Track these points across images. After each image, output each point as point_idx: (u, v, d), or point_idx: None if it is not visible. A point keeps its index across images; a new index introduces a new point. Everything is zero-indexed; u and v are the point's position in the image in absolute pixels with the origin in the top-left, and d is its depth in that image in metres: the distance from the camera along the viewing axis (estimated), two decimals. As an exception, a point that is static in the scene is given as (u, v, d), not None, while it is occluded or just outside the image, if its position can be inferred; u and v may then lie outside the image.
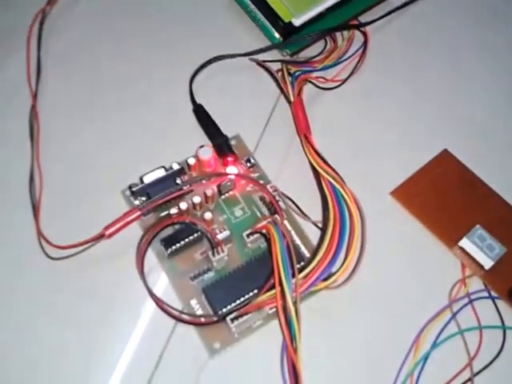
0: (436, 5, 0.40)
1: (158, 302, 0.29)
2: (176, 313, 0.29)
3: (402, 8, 0.40)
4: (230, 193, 0.32)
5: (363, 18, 0.39)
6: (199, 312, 0.29)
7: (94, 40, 0.38)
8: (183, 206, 0.31)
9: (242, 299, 0.29)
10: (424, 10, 0.40)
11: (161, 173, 0.31)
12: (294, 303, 0.27)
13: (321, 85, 0.37)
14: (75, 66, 0.37)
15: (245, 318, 0.28)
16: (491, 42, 0.40)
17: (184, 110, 0.36)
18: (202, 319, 0.28)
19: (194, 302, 0.29)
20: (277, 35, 0.38)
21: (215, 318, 0.28)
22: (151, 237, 0.29)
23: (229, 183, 0.32)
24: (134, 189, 0.31)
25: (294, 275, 0.27)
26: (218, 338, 0.28)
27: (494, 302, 0.31)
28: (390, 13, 0.39)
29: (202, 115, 0.35)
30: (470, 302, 0.31)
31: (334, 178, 0.31)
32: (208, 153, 0.32)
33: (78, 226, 0.31)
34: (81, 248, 0.30)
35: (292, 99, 0.35)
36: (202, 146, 0.33)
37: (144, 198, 0.31)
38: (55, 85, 0.36)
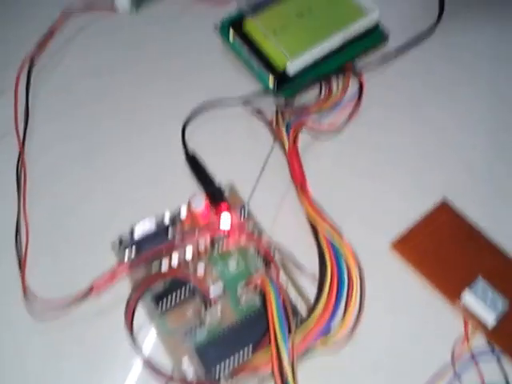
0: (430, 50, 0.40)
1: (148, 363, 0.27)
2: (167, 374, 0.27)
3: (397, 54, 0.40)
4: (224, 245, 0.31)
5: (358, 64, 0.39)
6: (190, 370, 0.28)
7: (84, 86, 0.38)
8: (175, 259, 0.30)
9: (236, 358, 0.28)
10: (419, 56, 0.40)
11: (152, 224, 0.30)
12: (291, 364, 0.25)
13: (316, 131, 0.37)
14: (64, 112, 0.37)
15: (239, 379, 0.27)
16: (490, 90, 0.39)
17: (177, 158, 0.35)
18: (195, 382, 0.27)
19: (185, 361, 0.28)
20: (272, 82, 0.37)
21: (208, 380, 0.27)
22: (140, 294, 0.28)
23: (222, 236, 0.31)
24: (124, 241, 0.30)
25: (290, 332, 0.26)
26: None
27: (498, 359, 0.30)
28: (384, 58, 0.39)
29: (195, 164, 0.34)
30: (474, 359, 0.30)
31: (331, 231, 0.30)
32: (201, 203, 0.31)
33: (65, 280, 0.30)
34: (68, 304, 0.29)
35: (287, 147, 0.34)
36: (194, 196, 0.32)
37: (134, 250, 0.30)
38: (44, 132, 0.36)
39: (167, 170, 0.35)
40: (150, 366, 0.27)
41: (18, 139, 0.34)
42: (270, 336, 0.26)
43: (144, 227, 0.30)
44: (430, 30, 0.40)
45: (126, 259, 0.30)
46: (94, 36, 0.40)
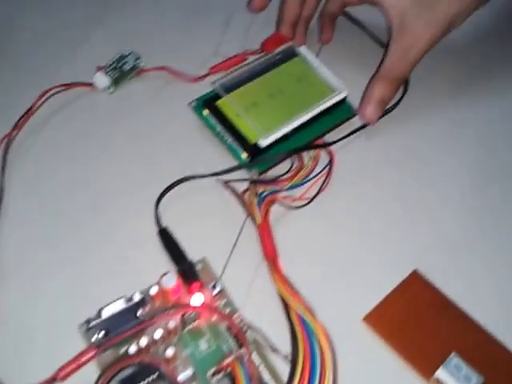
0: (396, 123, 0.42)
1: None
2: None
3: (364, 127, 0.41)
4: (195, 323, 0.31)
5: (328, 138, 0.40)
6: None
7: (59, 168, 0.38)
8: (143, 342, 0.29)
9: None
10: (385, 129, 0.41)
11: (121, 305, 0.30)
12: None
13: (288, 204, 0.37)
14: (38, 195, 0.37)
15: None
16: (457, 160, 0.40)
17: (149, 232, 0.35)
18: None
19: None
20: (244, 156, 0.38)
21: None
22: (108, 380, 0.27)
23: (193, 315, 0.30)
24: (91, 323, 0.29)
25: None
26: None
27: None
28: (352, 132, 0.40)
29: (166, 238, 0.34)
30: None
31: (303, 309, 0.30)
32: (172, 281, 0.31)
33: (31, 365, 0.29)
34: None
35: (258, 222, 0.34)
36: (165, 274, 0.31)
37: (103, 333, 0.29)
38: (18, 209, 0.35)
39: (139, 245, 0.34)
40: None
41: None
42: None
43: (112, 309, 0.30)
44: (395, 105, 0.42)
45: (93, 342, 0.29)
46: (72, 114, 0.40)
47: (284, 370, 0.30)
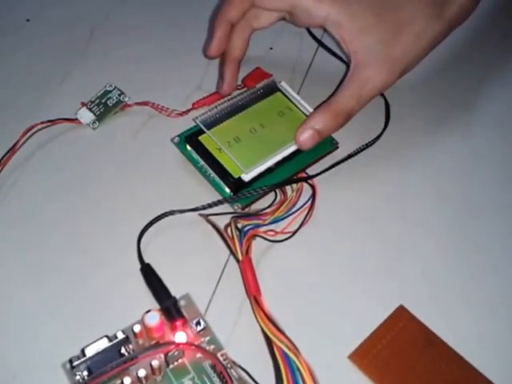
0: (377, 157, 0.42)
1: None
2: None
3: (347, 159, 0.41)
4: (179, 361, 0.30)
5: (311, 170, 0.40)
6: None
7: (42, 204, 0.38)
8: (127, 381, 0.29)
9: None
10: (367, 159, 0.42)
11: (104, 343, 0.30)
12: None
13: (271, 238, 0.37)
14: (21, 231, 0.36)
15: None
16: (438, 195, 0.41)
17: (131, 268, 0.35)
18: None
19: None
20: (227, 190, 0.38)
21: None
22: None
23: (176, 353, 0.30)
24: (74, 363, 0.29)
25: None
26: None
27: None
28: (335, 165, 0.41)
29: (149, 275, 0.34)
30: None
31: (286, 346, 0.30)
32: (155, 318, 0.31)
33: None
34: None
35: (240, 258, 0.34)
36: (148, 311, 0.31)
37: (86, 373, 0.29)
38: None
39: (122, 282, 0.34)
40: None
41: None
42: None
43: (96, 348, 0.29)
44: (377, 138, 0.42)
45: (77, 381, 0.29)
46: (56, 150, 0.40)
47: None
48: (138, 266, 0.35)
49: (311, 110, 0.41)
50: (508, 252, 0.38)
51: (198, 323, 0.32)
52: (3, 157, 0.38)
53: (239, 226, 0.36)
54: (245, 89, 0.43)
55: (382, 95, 0.44)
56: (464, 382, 0.32)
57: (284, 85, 0.43)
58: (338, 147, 0.42)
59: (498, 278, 0.36)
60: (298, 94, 0.43)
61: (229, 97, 0.42)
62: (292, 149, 0.40)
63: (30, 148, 0.40)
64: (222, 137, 0.39)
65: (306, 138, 0.39)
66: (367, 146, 0.42)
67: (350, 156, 0.41)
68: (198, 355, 0.31)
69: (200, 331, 0.32)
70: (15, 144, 0.39)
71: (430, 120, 0.44)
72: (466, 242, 0.38)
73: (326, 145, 0.41)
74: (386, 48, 0.39)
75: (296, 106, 0.42)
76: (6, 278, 0.34)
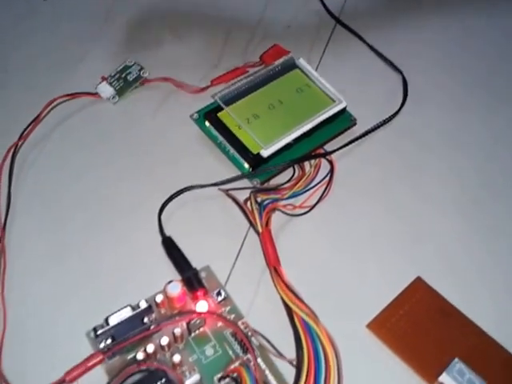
0: (396, 132, 0.42)
1: None
2: None
3: (364, 136, 0.41)
4: (201, 330, 0.31)
5: (329, 146, 0.41)
6: None
7: (64, 178, 0.38)
8: (150, 348, 0.29)
9: None
10: (384, 136, 0.42)
11: (127, 313, 0.30)
12: None
13: (289, 212, 0.37)
14: (44, 203, 0.37)
15: None
16: (455, 163, 0.41)
17: (153, 242, 0.35)
18: None
19: None
20: (246, 166, 0.39)
21: None
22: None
23: (198, 321, 0.31)
24: (98, 331, 0.30)
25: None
26: None
27: None
28: (352, 141, 0.41)
29: (170, 247, 0.35)
30: None
31: (306, 315, 0.30)
32: (176, 288, 0.31)
33: (40, 370, 0.29)
34: None
35: (260, 230, 0.35)
36: (170, 282, 0.32)
37: (109, 341, 0.30)
38: (24, 221, 0.36)
39: (144, 255, 0.35)
40: None
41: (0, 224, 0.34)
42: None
43: (119, 316, 0.30)
44: (395, 114, 0.42)
45: (101, 349, 0.29)
46: (77, 123, 0.41)
47: (289, 374, 0.30)
48: (160, 239, 0.35)
49: (329, 86, 0.41)
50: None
51: (219, 293, 0.33)
52: (26, 129, 0.39)
53: (258, 200, 0.37)
54: (263, 66, 0.43)
55: (400, 72, 0.44)
56: (480, 351, 0.32)
57: (302, 62, 0.43)
58: (355, 123, 0.42)
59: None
60: (316, 70, 0.43)
61: (247, 74, 0.43)
62: (310, 125, 0.40)
63: (51, 121, 0.40)
64: (241, 113, 0.40)
65: None
66: (385, 122, 0.42)
67: (367, 132, 0.42)
68: (219, 324, 0.31)
69: (221, 301, 0.32)
70: (38, 116, 0.39)
71: (449, 97, 0.44)
72: (482, 217, 0.38)
73: (344, 121, 0.41)
74: None
75: (314, 82, 0.42)
76: (32, 253, 0.35)
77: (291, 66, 0.43)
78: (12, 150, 0.37)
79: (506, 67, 0.46)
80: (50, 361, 0.30)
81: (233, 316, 0.32)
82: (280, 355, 0.30)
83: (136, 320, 0.30)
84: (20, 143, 0.38)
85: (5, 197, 0.36)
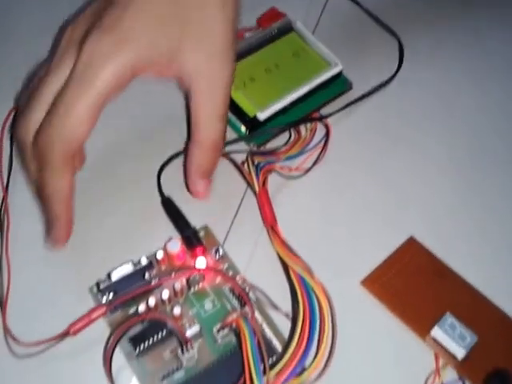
0: (391, 97, 0.43)
1: None
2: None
3: (360, 100, 0.42)
4: (200, 285, 0.32)
5: (325, 110, 0.41)
6: None
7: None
8: (151, 301, 0.30)
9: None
10: (380, 100, 0.42)
11: (129, 268, 0.31)
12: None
13: (286, 174, 0.38)
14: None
15: None
16: (449, 127, 0.41)
17: (152, 202, 0.36)
18: None
19: None
20: (243, 129, 0.39)
21: None
22: (119, 336, 0.29)
23: (197, 277, 0.31)
24: (101, 286, 0.31)
25: (265, 372, 0.27)
26: None
27: (468, 391, 0.31)
28: (348, 105, 0.41)
29: (170, 207, 0.35)
30: (445, 392, 0.30)
31: (302, 269, 0.31)
32: (176, 246, 0.32)
33: (45, 324, 0.30)
34: (46, 345, 0.29)
35: (257, 190, 0.36)
36: (170, 239, 0.33)
37: (112, 295, 0.30)
38: (26, 181, 0.36)
39: (143, 215, 0.36)
40: None
41: (2, 185, 0.35)
42: (245, 376, 0.27)
43: (121, 272, 0.31)
44: (391, 78, 0.43)
45: (103, 302, 0.30)
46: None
47: (285, 327, 0.31)
48: (159, 199, 0.36)
49: (326, 50, 0.42)
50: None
51: (217, 251, 0.33)
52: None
53: (255, 162, 0.37)
54: (260, 29, 0.43)
55: (395, 35, 0.44)
56: (472, 307, 0.33)
57: (299, 25, 0.43)
58: (351, 87, 0.42)
59: (506, 211, 0.38)
60: (313, 34, 0.43)
61: (244, 38, 0.43)
62: (306, 89, 0.40)
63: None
64: (237, 77, 0.39)
65: (202, 188, 0.34)
66: (380, 86, 0.42)
67: (363, 96, 0.42)
68: (218, 280, 0.32)
69: (219, 259, 0.33)
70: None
71: (444, 60, 0.45)
72: (477, 177, 0.39)
73: (340, 85, 0.42)
74: (200, 51, 0.31)
75: (310, 46, 0.42)
76: (34, 213, 0.35)
77: (288, 29, 0.43)
78: (12, 113, 0.38)
79: (502, 28, 0.47)
80: (54, 316, 0.31)
81: (231, 273, 0.33)
82: (276, 308, 0.31)
83: (137, 275, 0.31)
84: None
85: (7, 158, 0.36)
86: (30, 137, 0.29)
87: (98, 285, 0.31)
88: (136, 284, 0.31)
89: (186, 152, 0.34)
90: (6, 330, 0.30)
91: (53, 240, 0.31)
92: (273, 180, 0.37)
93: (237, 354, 0.28)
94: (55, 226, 0.31)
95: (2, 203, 0.34)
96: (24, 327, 0.30)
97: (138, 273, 0.31)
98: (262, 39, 0.42)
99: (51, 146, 0.28)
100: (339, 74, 0.42)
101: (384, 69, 0.43)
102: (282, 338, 0.31)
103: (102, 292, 0.31)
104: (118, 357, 0.29)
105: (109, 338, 0.29)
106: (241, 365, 0.27)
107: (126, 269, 0.31)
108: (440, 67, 0.44)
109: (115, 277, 0.31)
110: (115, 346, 0.29)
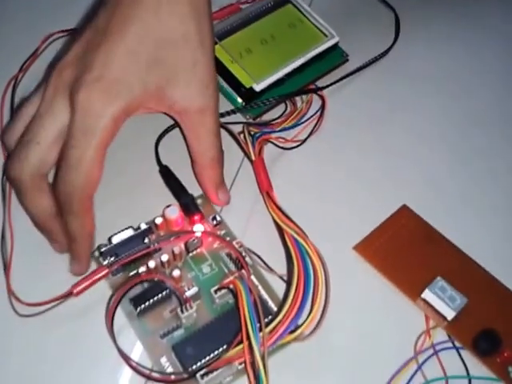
0: (387, 69, 0.43)
1: (128, 361, 0.29)
2: (146, 371, 0.29)
3: (356, 72, 0.42)
4: (198, 250, 0.33)
5: (321, 83, 0.42)
6: (169, 370, 0.29)
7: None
8: (152, 264, 0.31)
9: (212, 355, 0.29)
10: (376, 73, 0.43)
11: (129, 233, 0.32)
12: (262, 357, 0.27)
13: (281, 145, 0.39)
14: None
15: (215, 373, 0.28)
16: (444, 97, 0.42)
17: (151, 170, 0.37)
18: (172, 377, 0.28)
19: (163, 360, 0.29)
20: (239, 100, 0.40)
21: (185, 376, 0.28)
22: (120, 296, 0.30)
23: (196, 241, 0.32)
24: (102, 249, 0.31)
25: (261, 329, 0.28)
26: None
27: (458, 352, 0.32)
28: (344, 77, 0.42)
29: (168, 176, 0.36)
30: (435, 353, 0.31)
31: (296, 233, 0.32)
32: (175, 212, 0.33)
33: (48, 287, 0.31)
34: (49, 305, 0.30)
35: (253, 158, 0.36)
36: (168, 206, 0.33)
37: (113, 258, 0.31)
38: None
39: (143, 183, 0.36)
40: (130, 364, 0.29)
41: (4, 154, 0.35)
42: (242, 332, 0.28)
43: (122, 236, 0.32)
44: (387, 51, 0.43)
45: (106, 264, 0.31)
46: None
47: (280, 291, 0.32)
48: (157, 169, 0.37)
49: (322, 22, 0.42)
50: (505, 157, 0.40)
51: (214, 218, 0.34)
52: (25, 63, 0.40)
53: (251, 133, 0.38)
54: (256, 1, 0.44)
55: (391, 8, 0.45)
56: (462, 271, 0.34)
57: (296, -3, 0.43)
58: (347, 60, 0.43)
59: (496, 180, 0.39)
60: (310, 6, 0.43)
61: (240, 9, 0.43)
62: (302, 60, 0.41)
63: (48, 55, 0.41)
64: (234, 48, 0.41)
65: (220, 197, 0.35)
66: (376, 59, 0.43)
67: (359, 69, 0.42)
68: (215, 245, 0.33)
69: (216, 225, 0.34)
70: (35, 51, 0.40)
71: (441, 34, 0.45)
72: (466, 148, 0.40)
73: (336, 57, 0.42)
74: (188, 79, 0.32)
75: (307, 17, 0.43)
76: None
77: (284, 1, 0.43)
78: (12, 83, 0.38)
79: (500, 4, 0.47)
80: (57, 280, 0.31)
81: (228, 239, 0.34)
82: (271, 270, 0.33)
83: (137, 239, 0.32)
84: (20, 76, 0.39)
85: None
86: (26, 176, 0.31)
87: (99, 248, 0.32)
88: (136, 248, 0.31)
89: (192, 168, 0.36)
90: (11, 292, 0.31)
91: (75, 273, 0.32)
92: (269, 151, 0.38)
93: (233, 314, 0.29)
94: (78, 263, 0.32)
95: (4, 173, 0.35)
96: (28, 290, 0.31)
97: (138, 236, 0.32)
98: (258, 11, 0.42)
99: (71, 195, 0.30)
100: (335, 46, 0.42)
101: (380, 41, 0.44)
102: (277, 299, 0.32)
103: (104, 255, 0.31)
104: (119, 317, 0.30)
105: (110, 299, 0.31)
106: (237, 324, 0.29)
107: (127, 233, 0.32)
108: (435, 41, 0.45)
109: (116, 240, 0.32)
110: (117, 306, 0.30)
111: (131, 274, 0.32)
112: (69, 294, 0.30)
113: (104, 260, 0.31)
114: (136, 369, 0.29)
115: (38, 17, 0.43)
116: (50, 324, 0.30)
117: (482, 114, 0.41)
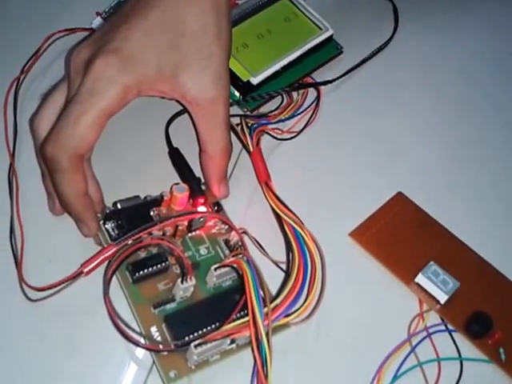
0: (383, 62, 0.44)
1: (117, 323, 0.29)
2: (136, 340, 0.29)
3: (355, 68, 0.43)
4: (197, 232, 0.34)
5: (319, 77, 0.42)
6: (159, 339, 0.30)
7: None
8: (156, 234, 0.31)
9: (201, 332, 0.30)
10: (372, 68, 0.44)
11: (135, 200, 0.33)
12: (267, 333, 0.28)
13: (278, 136, 0.40)
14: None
15: (208, 345, 0.28)
16: (440, 84, 0.43)
17: (161, 153, 0.37)
18: (162, 346, 0.29)
19: (153, 329, 0.30)
20: (237, 93, 0.40)
21: (179, 344, 0.29)
22: (126, 255, 0.30)
23: (202, 219, 0.33)
24: (107, 211, 0.32)
25: (265, 305, 0.29)
26: (174, 367, 0.29)
27: (450, 334, 0.33)
28: (343, 75, 0.42)
29: (176, 158, 0.36)
30: (428, 335, 0.32)
31: (294, 221, 0.33)
32: (183, 190, 0.33)
33: (59, 272, 0.31)
34: (60, 287, 0.30)
35: (251, 149, 0.37)
36: (178, 184, 0.34)
37: (116, 223, 0.32)
38: (30, 146, 0.37)
39: (150, 165, 0.37)
40: (122, 332, 0.29)
41: (9, 151, 0.36)
42: (247, 307, 0.29)
43: (128, 202, 0.32)
44: (386, 43, 0.44)
45: (112, 238, 0.32)
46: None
47: (277, 279, 0.33)
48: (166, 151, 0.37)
49: (317, 15, 0.43)
50: (498, 145, 0.41)
51: (216, 204, 0.35)
52: (27, 63, 0.40)
53: (249, 125, 0.39)
54: (252, -4, 0.44)
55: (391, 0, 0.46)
56: (455, 256, 0.35)
57: (290, -9, 0.44)
58: (342, 52, 0.43)
59: (486, 167, 0.40)
60: (305, 0, 0.44)
61: (237, 4, 0.44)
62: (298, 53, 0.41)
63: (50, 56, 0.41)
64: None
65: (224, 190, 0.36)
66: (378, 50, 0.44)
67: (358, 65, 0.43)
68: (214, 230, 0.34)
69: (217, 211, 0.35)
70: (37, 51, 0.41)
71: (440, 26, 0.46)
72: (461, 136, 0.41)
73: (331, 49, 0.43)
74: (202, 71, 0.33)
75: (302, 11, 0.43)
76: (40, 175, 0.36)
77: (279, -5, 0.44)
78: (15, 84, 0.39)
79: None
80: (67, 265, 0.31)
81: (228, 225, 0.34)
82: (270, 258, 0.33)
83: (143, 210, 0.32)
84: (22, 77, 0.40)
85: (11, 126, 0.37)
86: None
87: (102, 212, 0.32)
88: (141, 218, 0.32)
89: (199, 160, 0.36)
90: (22, 280, 0.31)
91: (85, 234, 0.33)
92: (266, 143, 0.39)
93: (225, 296, 0.31)
94: (81, 226, 0.33)
95: (10, 168, 0.35)
96: (39, 278, 0.31)
97: (144, 207, 0.33)
98: (255, 6, 0.43)
99: (62, 151, 0.30)
100: (330, 39, 0.43)
101: (379, 32, 0.45)
102: (274, 285, 0.32)
103: (107, 218, 0.32)
104: (115, 286, 0.31)
105: (110, 262, 0.30)
106: (229, 305, 0.30)
107: (133, 201, 0.33)
108: (434, 32, 0.46)
109: (121, 206, 0.32)
110: (116, 269, 0.30)
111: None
112: (79, 274, 0.30)
113: (105, 223, 0.32)
114: (128, 336, 0.29)
115: (39, 17, 0.44)
116: (61, 305, 0.31)
117: (474, 97, 0.43)
